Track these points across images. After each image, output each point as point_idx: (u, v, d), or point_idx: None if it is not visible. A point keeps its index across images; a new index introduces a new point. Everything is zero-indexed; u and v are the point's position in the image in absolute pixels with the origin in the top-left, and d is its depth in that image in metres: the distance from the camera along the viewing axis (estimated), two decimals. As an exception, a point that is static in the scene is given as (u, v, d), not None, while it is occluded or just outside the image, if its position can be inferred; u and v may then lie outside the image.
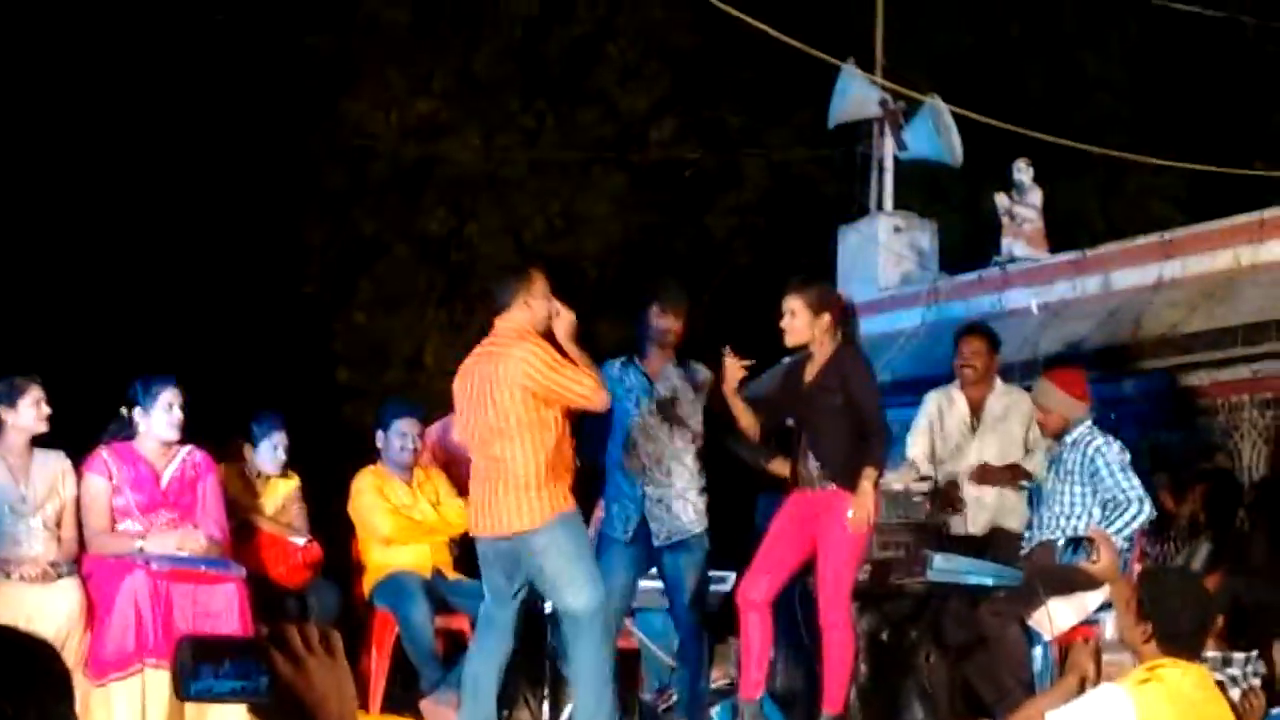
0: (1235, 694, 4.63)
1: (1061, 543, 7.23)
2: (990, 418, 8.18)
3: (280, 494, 7.89)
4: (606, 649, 6.57)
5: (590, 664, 6.47)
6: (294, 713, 2.08)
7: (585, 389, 6.45)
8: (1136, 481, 7.26)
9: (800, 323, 6.97)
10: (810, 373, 7.05)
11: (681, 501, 7.33)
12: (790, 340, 7.06)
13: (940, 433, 8.33)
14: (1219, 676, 4.57)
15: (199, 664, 2.07)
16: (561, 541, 6.44)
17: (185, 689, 2.08)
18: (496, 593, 6.62)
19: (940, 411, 8.36)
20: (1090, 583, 6.68)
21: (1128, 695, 4.56)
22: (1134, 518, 7.23)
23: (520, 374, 6.39)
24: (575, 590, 6.43)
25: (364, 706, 7.66)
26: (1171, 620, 4.70)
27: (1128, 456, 7.35)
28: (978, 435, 8.22)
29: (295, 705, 2.07)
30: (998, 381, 8.27)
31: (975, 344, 8.27)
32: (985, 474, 8.14)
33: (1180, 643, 4.68)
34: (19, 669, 1.98)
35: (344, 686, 2.10)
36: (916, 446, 8.37)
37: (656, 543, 7.23)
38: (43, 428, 7.06)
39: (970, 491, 8.16)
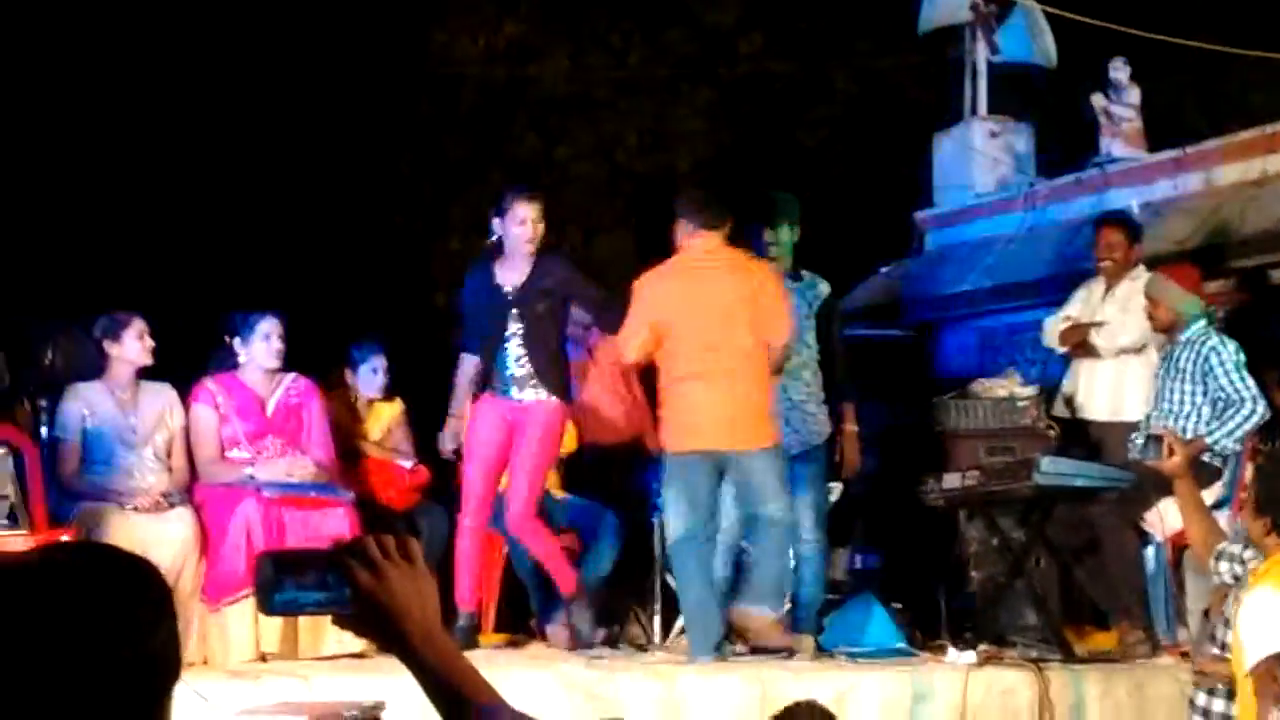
0: None
1: (1140, 441, 7.16)
2: (1121, 293, 8.05)
3: (385, 418, 7.94)
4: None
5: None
6: (377, 621, 2.09)
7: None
8: (1251, 382, 7.18)
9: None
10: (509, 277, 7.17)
11: (800, 413, 7.35)
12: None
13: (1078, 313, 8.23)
14: None
15: (280, 578, 2.09)
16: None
17: (269, 603, 2.10)
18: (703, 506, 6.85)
19: (1082, 299, 8.25)
20: (1204, 480, 6.61)
21: (1273, 589, 4.49)
22: (1247, 418, 7.15)
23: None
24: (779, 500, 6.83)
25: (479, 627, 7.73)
26: None
27: (1243, 356, 7.27)
28: (1104, 303, 8.11)
29: (378, 614, 2.09)
30: (1140, 269, 8.12)
31: (1113, 235, 8.18)
32: (1065, 333, 8.09)
33: None
34: (113, 585, 1.99)
35: (425, 593, 2.10)
36: (1053, 328, 8.26)
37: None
38: (148, 360, 7.14)
39: (1086, 372, 8.08)
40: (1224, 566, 5.15)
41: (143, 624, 1.99)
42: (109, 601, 1.97)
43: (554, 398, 7.19)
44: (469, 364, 7.35)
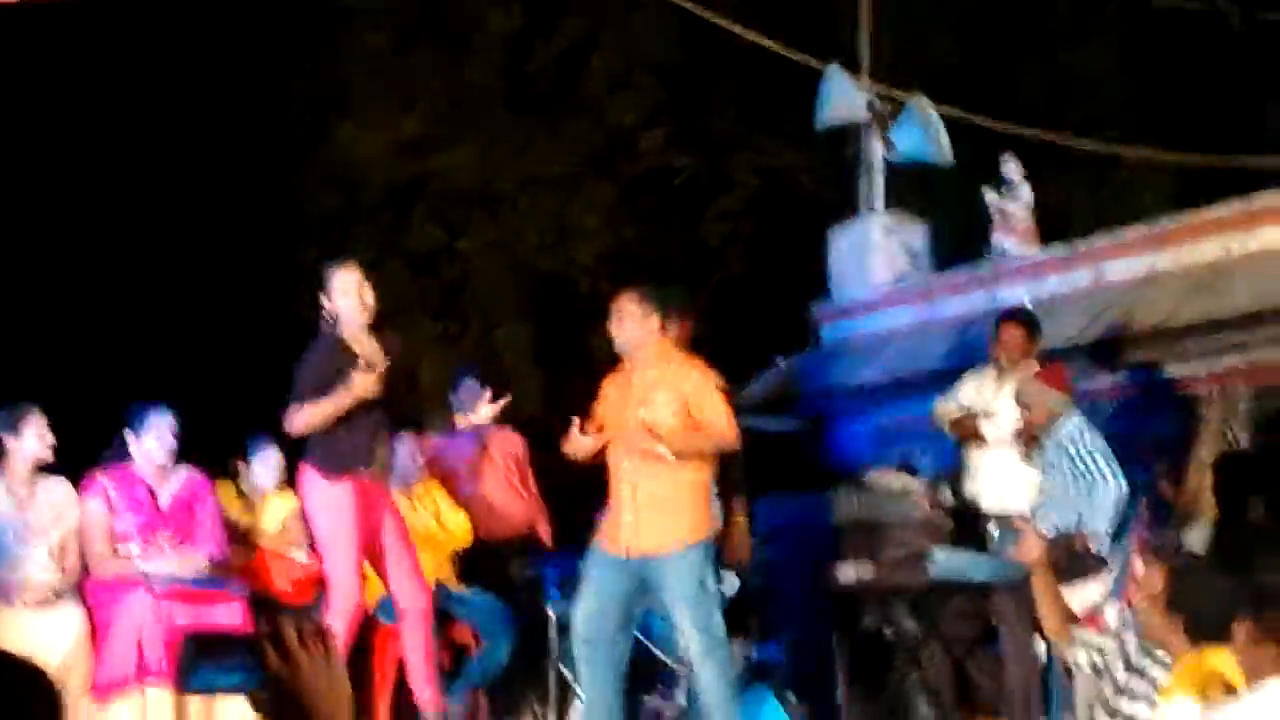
0: None
1: (996, 531, 7.24)
2: (1011, 384, 8.08)
3: (279, 511, 7.90)
4: None
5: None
6: (289, 706, 2.10)
7: None
8: (1105, 465, 7.26)
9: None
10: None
11: None
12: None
13: (970, 401, 8.27)
14: None
15: (199, 660, 2.11)
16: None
17: (186, 683, 2.12)
18: None
19: (973, 387, 8.30)
20: (1089, 571, 6.70)
21: (1190, 698, 4.52)
22: (1104, 495, 7.23)
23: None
24: None
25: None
26: (1198, 613, 4.70)
27: (1098, 444, 7.35)
28: (997, 395, 8.16)
29: (289, 698, 2.09)
30: (1033, 364, 8.15)
31: (1015, 331, 8.21)
32: (956, 423, 8.13)
33: (1206, 633, 4.67)
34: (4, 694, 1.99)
35: (335, 681, 2.12)
36: (943, 409, 8.30)
37: None
38: (47, 456, 7.09)
39: (975, 461, 8.14)
40: (1082, 656, 5.22)
41: None
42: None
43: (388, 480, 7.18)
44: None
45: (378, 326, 7.09)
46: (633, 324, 6.86)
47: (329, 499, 6.93)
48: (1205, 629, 4.65)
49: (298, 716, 2.10)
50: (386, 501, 7.07)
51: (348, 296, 7.01)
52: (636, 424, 6.67)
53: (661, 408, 6.73)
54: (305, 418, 6.89)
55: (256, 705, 2.13)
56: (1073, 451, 7.28)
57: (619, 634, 6.81)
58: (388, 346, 7.06)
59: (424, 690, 7.02)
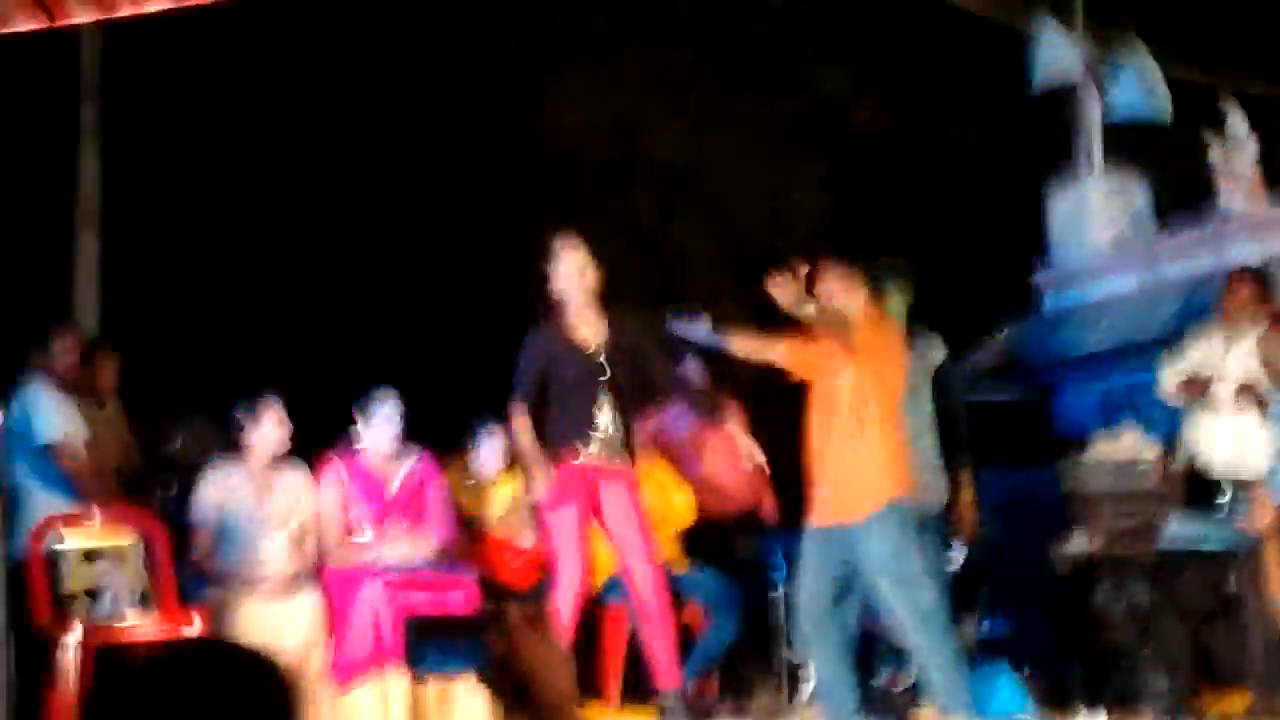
0: None
1: (1228, 498, 7.03)
2: (1247, 346, 7.87)
3: (505, 496, 8.00)
4: None
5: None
6: (510, 685, 2.14)
7: None
8: None
9: None
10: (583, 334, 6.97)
11: (919, 480, 7.30)
12: None
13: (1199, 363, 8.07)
14: None
15: (424, 644, 2.16)
16: None
17: (414, 667, 2.17)
18: None
19: (1202, 351, 8.11)
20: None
21: None
22: None
23: None
24: None
25: (604, 701, 7.74)
26: None
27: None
28: (1228, 356, 7.96)
29: (511, 678, 2.14)
30: (1265, 324, 7.87)
31: (1246, 290, 8.00)
32: (1185, 386, 7.93)
33: None
34: (236, 687, 2.04)
35: (555, 659, 2.15)
36: (1169, 376, 8.11)
37: None
38: (284, 446, 7.26)
39: (1207, 427, 7.94)
40: None
41: None
42: (232, 704, 2.02)
43: (631, 463, 7.10)
44: (526, 418, 7.13)
45: (601, 305, 7.07)
46: (840, 297, 6.77)
47: (557, 478, 6.99)
48: None
49: (524, 696, 2.14)
50: (618, 480, 7.04)
51: (569, 277, 7.01)
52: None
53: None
54: (520, 445, 6.99)
55: (485, 686, 2.17)
56: None
57: (840, 609, 6.76)
58: (611, 325, 7.05)
59: (662, 668, 7.03)
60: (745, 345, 6.90)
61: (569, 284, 6.99)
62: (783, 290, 6.60)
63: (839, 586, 6.74)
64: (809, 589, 6.73)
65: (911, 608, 6.51)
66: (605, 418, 7.03)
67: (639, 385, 7.14)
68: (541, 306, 7.21)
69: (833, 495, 6.68)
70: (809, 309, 6.61)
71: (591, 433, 7.00)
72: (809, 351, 6.77)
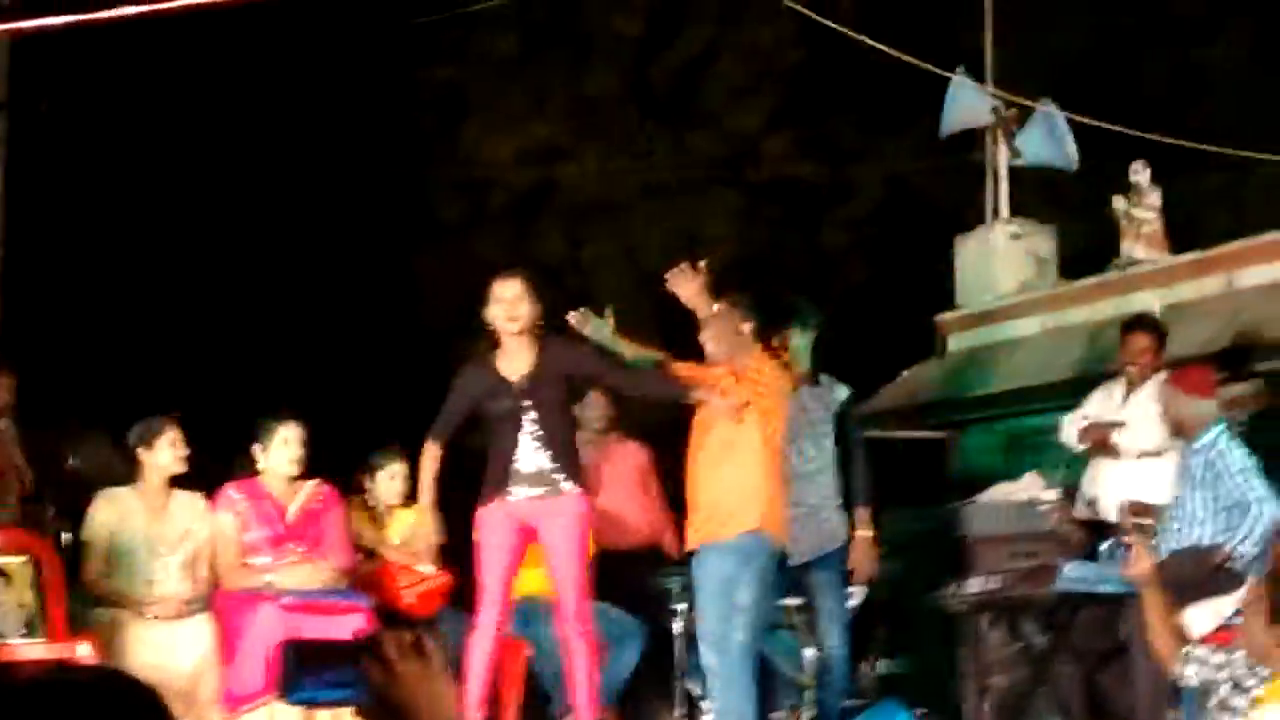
0: None
1: (1105, 547, 7.12)
2: (1145, 396, 7.94)
3: (405, 524, 7.94)
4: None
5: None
6: (391, 716, 2.11)
7: None
8: (1258, 483, 7.12)
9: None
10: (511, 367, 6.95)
11: (816, 518, 7.33)
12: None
13: (1099, 411, 8.15)
14: None
15: (301, 672, 2.14)
16: None
17: (288, 694, 2.15)
18: None
19: (1100, 400, 8.18)
20: (1225, 588, 6.57)
21: None
22: (1256, 519, 7.08)
23: None
24: None
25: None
26: None
27: (1251, 460, 7.21)
28: (1126, 405, 8.04)
29: (391, 709, 2.10)
30: (1163, 373, 7.93)
31: (1141, 340, 8.09)
32: (1085, 432, 8.02)
33: None
34: (116, 713, 2.01)
35: (437, 693, 2.12)
36: (1071, 426, 8.19)
37: (795, 560, 7.19)
38: (180, 468, 7.17)
39: (1106, 473, 8.01)
40: (1190, 670, 5.14)
41: None
42: None
43: (578, 488, 6.99)
44: (436, 453, 7.08)
45: (537, 337, 7.04)
46: (726, 334, 6.82)
47: (481, 519, 6.97)
48: None
49: None
50: (555, 511, 6.93)
51: (502, 309, 6.96)
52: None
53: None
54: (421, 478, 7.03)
55: (361, 717, 2.15)
56: (1220, 467, 7.14)
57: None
58: (541, 355, 7.00)
59: (583, 701, 7.00)
60: (637, 350, 7.01)
61: (501, 316, 6.94)
62: (684, 282, 6.64)
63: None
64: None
65: (715, 640, 6.70)
66: (529, 452, 6.97)
67: (567, 411, 7.09)
68: (475, 339, 7.20)
69: (698, 519, 6.78)
70: (708, 306, 6.66)
71: (517, 469, 6.94)
72: (695, 373, 6.84)
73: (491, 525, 6.97)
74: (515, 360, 6.97)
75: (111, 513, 7.07)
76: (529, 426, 6.92)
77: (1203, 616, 6.92)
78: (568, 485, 6.94)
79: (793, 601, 7.51)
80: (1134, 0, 15.99)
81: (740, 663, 6.73)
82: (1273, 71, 15.49)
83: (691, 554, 6.96)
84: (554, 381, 6.95)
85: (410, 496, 7.96)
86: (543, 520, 6.93)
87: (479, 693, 6.90)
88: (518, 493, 6.94)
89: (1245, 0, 15.57)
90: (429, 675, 2.12)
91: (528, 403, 6.91)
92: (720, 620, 6.69)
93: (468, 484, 7.33)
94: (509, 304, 6.91)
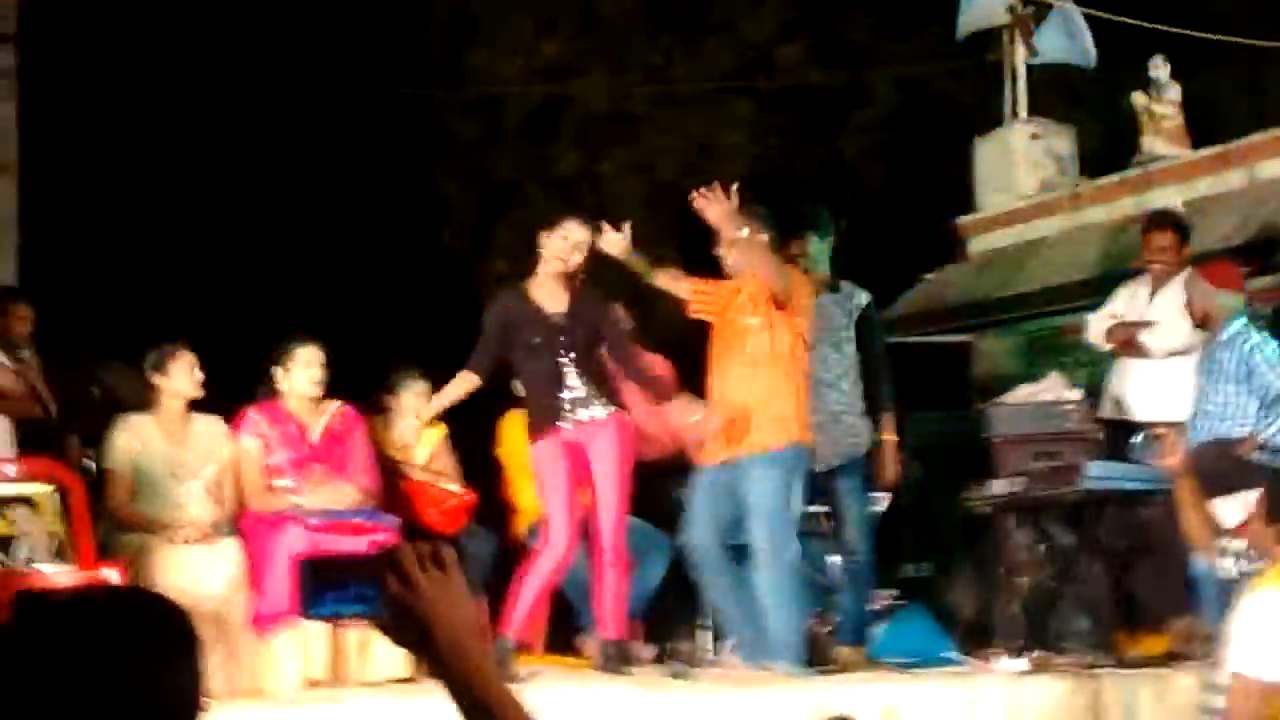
0: None
1: (1139, 438, 7.09)
2: (1171, 294, 7.87)
3: (429, 443, 7.95)
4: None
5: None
6: (408, 628, 2.11)
7: None
8: None
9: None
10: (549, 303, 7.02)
11: (839, 424, 7.32)
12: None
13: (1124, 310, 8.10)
14: None
15: (319, 587, 2.13)
16: None
17: (309, 611, 2.15)
18: None
19: (1127, 298, 8.13)
20: (1250, 480, 6.55)
21: (1275, 595, 4.51)
22: None
23: None
24: None
25: (527, 648, 7.73)
26: None
27: (1273, 345, 7.17)
28: (1153, 304, 7.99)
29: (408, 621, 2.10)
30: (1188, 269, 7.86)
31: (1162, 237, 8.01)
32: (1113, 331, 7.98)
33: None
34: (134, 630, 2.02)
35: (457, 604, 2.11)
36: (1097, 325, 8.14)
37: (820, 467, 7.20)
38: (197, 393, 7.18)
39: (1134, 372, 7.96)
40: (1228, 563, 5.14)
41: (158, 668, 2.01)
42: (126, 645, 2.00)
43: (618, 410, 7.06)
44: (473, 382, 7.13)
45: (574, 280, 7.04)
46: (757, 257, 6.80)
47: (536, 453, 7.04)
48: None
49: (422, 641, 2.11)
50: (599, 431, 6.98)
51: (562, 250, 6.97)
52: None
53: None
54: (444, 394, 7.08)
55: (381, 630, 2.15)
56: (1257, 359, 7.10)
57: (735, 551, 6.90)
58: (573, 296, 7.03)
59: (609, 618, 7.06)
60: (659, 276, 7.08)
61: (559, 252, 6.96)
62: (712, 205, 6.63)
63: (731, 524, 6.84)
64: (699, 529, 6.83)
65: (768, 553, 6.72)
66: (573, 375, 7.01)
67: (600, 344, 7.11)
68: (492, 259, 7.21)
69: (734, 427, 6.77)
70: (736, 229, 6.66)
71: (563, 395, 6.98)
72: (720, 290, 6.85)
73: (548, 459, 7.02)
74: (552, 297, 7.06)
75: (132, 439, 7.09)
76: (567, 358, 6.99)
77: (1233, 508, 6.90)
78: (611, 408, 7.02)
79: (818, 509, 7.53)
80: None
81: (792, 576, 6.78)
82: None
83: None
84: (587, 324, 7.04)
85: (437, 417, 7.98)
86: (592, 444, 7.00)
87: (525, 611, 6.97)
88: (566, 422, 6.99)
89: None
90: (448, 586, 2.12)
91: (565, 338, 7.00)
92: (773, 534, 6.72)
93: (495, 402, 7.35)
94: (573, 247, 6.98)
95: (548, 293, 7.07)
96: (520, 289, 7.14)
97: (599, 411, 7.00)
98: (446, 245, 15.46)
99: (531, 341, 7.02)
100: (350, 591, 2.14)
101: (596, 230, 7.11)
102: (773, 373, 6.81)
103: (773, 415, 6.81)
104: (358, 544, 6.89)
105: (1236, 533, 6.50)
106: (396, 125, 15.13)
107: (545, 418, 7.00)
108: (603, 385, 7.05)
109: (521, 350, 7.07)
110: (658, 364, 8.56)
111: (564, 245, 7.00)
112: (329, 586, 2.15)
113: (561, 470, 6.97)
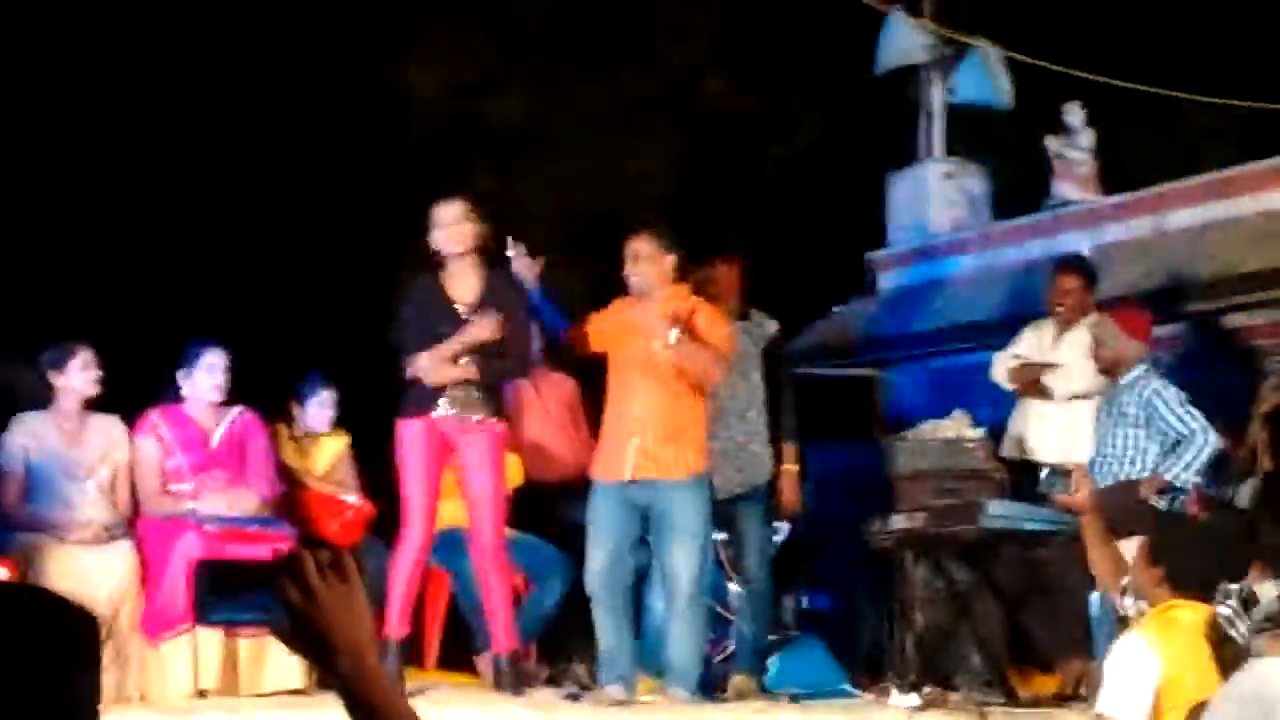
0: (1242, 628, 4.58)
1: (1044, 474, 7.16)
2: (1076, 337, 7.95)
3: (330, 453, 7.89)
4: None
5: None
6: (307, 638, 2.08)
7: None
8: (1198, 414, 7.16)
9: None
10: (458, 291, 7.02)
11: (743, 453, 7.33)
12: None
13: (1029, 351, 8.16)
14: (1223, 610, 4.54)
15: (217, 593, 2.10)
16: None
17: (203, 617, 2.12)
18: None
19: (1032, 340, 8.19)
20: (1143, 522, 6.61)
21: (1145, 640, 4.57)
22: (1200, 449, 7.11)
23: None
24: None
25: (420, 664, 7.68)
26: (1179, 566, 4.70)
27: (1184, 396, 7.26)
28: (1057, 346, 8.05)
29: (307, 630, 2.07)
30: (1094, 314, 7.95)
31: (1069, 280, 8.09)
32: (1016, 372, 8.05)
33: (1187, 587, 4.66)
34: (32, 632, 1.98)
35: (356, 614, 2.09)
36: (1002, 365, 8.20)
37: (722, 495, 7.20)
38: (93, 391, 7.09)
39: (1036, 413, 8.03)
40: (1128, 601, 5.19)
41: (57, 671, 1.97)
42: (25, 648, 1.96)
43: (499, 420, 7.02)
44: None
45: (490, 262, 7.01)
46: (647, 265, 6.82)
47: (402, 433, 6.93)
48: (1183, 583, 4.65)
49: (319, 649, 2.08)
50: (476, 436, 6.92)
51: (445, 231, 6.95)
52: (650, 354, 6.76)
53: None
54: (427, 364, 6.88)
55: (279, 638, 2.11)
56: (1157, 403, 7.17)
57: (626, 571, 6.90)
58: (486, 283, 6.98)
59: (498, 630, 7.01)
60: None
61: (445, 239, 6.93)
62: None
63: (631, 545, 6.85)
64: (604, 549, 6.77)
65: (689, 577, 6.71)
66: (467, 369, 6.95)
67: (504, 344, 7.05)
68: (425, 259, 7.14)
69: (643, 451, 6.75)
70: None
71: (445, 388, 6.91)
72: (619, 314, 6.90)
73: (413, 440, 6.93)
74: (462, 283, 6.99)
75: (26, 437, 6.99)
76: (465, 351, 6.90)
77: (1133, 549, 6.97)
78: (490, 414, 6.96)
79: (719, 536, 7.53)
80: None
81: (700, 602, 6.80)
82: (1202, 17, 15.53)
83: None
84: (495, 312, 6.94)
85: (337, 424, 7.92)
86: (462, 443, 6.92)
87: (400, 607, 6.90)
88: (443, 409, 6.90)
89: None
90: (348, 594, 2.09)
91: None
92: (691, 559, 6.73)
93: (389, 413, 7.27)
94: (451, 226, 6.91)
95: (457, 280, 7.01)
96: (431, 278, 7.05)
97: (479, 414, 6.93)
98: (357, 255, 15.36)
99: (438, 331, 6.95)
100: (247, 599, 2.10)
101: (508, 247, 7.10)
102: (686, 401, 6.82)
103: (693, 437, 6.83)
104: (255, 551, 6.83)
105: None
106: (311, 133, 15.03)
107: (421, 401, 6.91)
108: (494, 389, 7.00)
109: (427, 337, 6.98)
110: (560, 382, 8.55)
111: (444, 231, 6.95)
112: (225, 592, 2.11)
113: (424, 457, 6.89)
